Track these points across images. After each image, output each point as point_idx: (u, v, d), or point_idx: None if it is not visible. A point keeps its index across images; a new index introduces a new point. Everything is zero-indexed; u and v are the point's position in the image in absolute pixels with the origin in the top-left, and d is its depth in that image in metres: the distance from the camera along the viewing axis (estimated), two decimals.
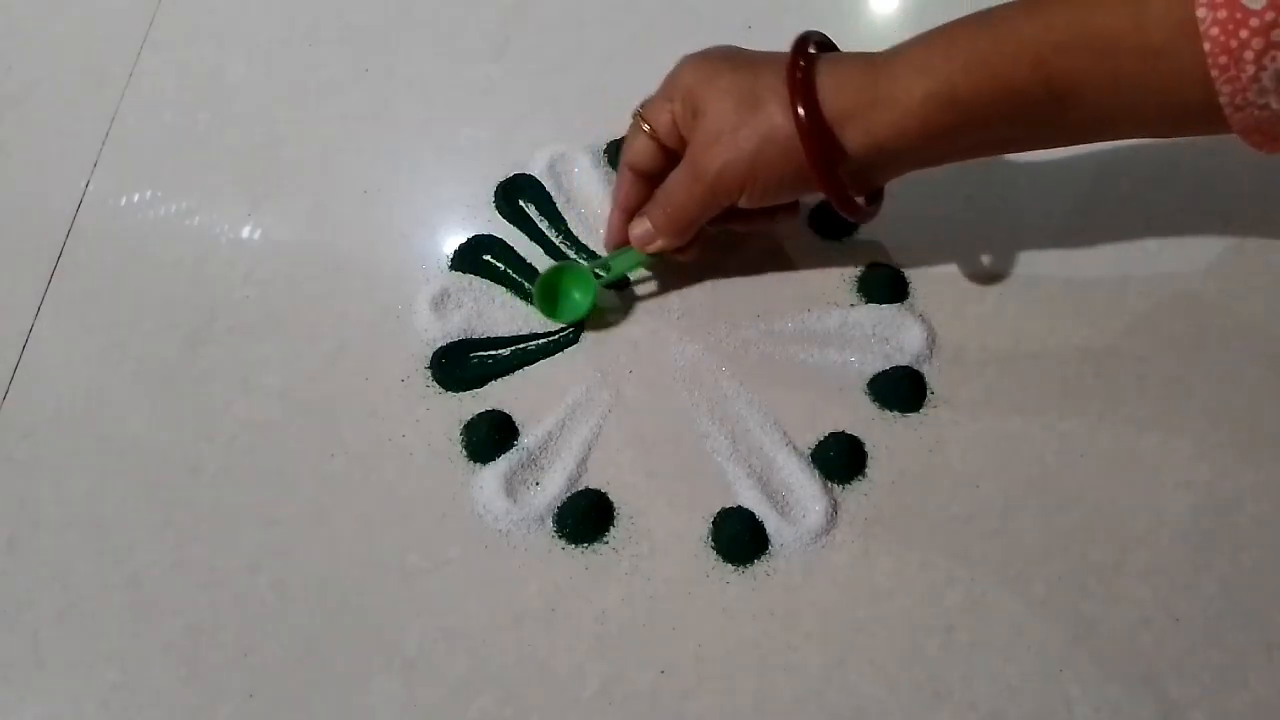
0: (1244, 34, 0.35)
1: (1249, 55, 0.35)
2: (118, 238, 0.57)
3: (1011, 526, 0.46)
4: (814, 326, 0.52)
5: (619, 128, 0.59)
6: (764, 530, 0.46)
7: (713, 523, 0.47)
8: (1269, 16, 0.34)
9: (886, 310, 0.52)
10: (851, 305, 0.52)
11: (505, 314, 0.53)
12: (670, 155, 0.48)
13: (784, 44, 0.60)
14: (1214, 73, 0.36)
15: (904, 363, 0.51)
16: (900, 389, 0.50)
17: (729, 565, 0.46)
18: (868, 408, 0.50)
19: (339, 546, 0.47)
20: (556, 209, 0.56)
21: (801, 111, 0.42)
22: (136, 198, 0.59)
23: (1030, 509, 0.47)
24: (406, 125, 0.60)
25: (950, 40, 0.42)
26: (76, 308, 0.55)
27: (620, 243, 0.52)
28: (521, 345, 0.52)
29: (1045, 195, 0.55)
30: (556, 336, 0.53)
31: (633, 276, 0.54)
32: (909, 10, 0.64)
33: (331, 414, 0.51)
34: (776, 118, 0.43)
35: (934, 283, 0.53)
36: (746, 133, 0.44)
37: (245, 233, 0.57)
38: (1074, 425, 0.48)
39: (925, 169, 0.46)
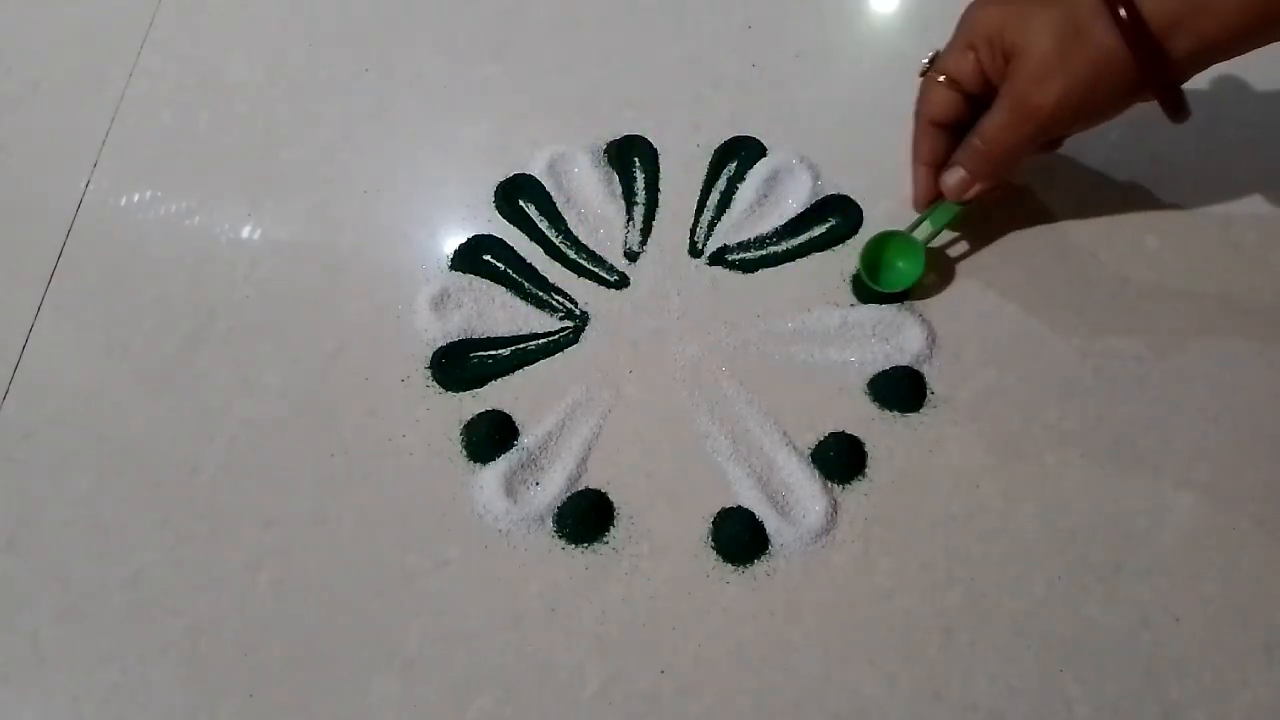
0: None
1: None
2: (117, 238, 0.57)
3: (1011, 526, 0.46)
4: (814, 326, 0.52)
5: (619, 127, 0.59)
6: (764, 530, 0.46)
7: (713, 523, 0.47)
8: None
9: (886, 310, 0.52)
10: (851, 305, 0.52)
11: (505, 314, 0.53)
12: (971, 103, 0.48)
13: (785, 43, 0.60)
14: None
15: (904, 363, 0.51)
16: (900, 389, 0.50)
17: (729, 565, 0.46)
18: (868, 408, 0.50)
19: (339, 546, 0.47)
20: (556, 209, 0.56)
21: (1131, 33, 0.42)
22: (136, 198, 0.59)
23: (1030, 509, 0.47)
24: (406, 125, 0.60)
25: None
26: (76, 308, 0.55)
27: (932, 198, 0.51)
28: (521, 345, 0.52)
29: (1045, 195, 0.55)
30: (556, 336, 0.53)
31: (635, 278, 0.54)
32: (909, 10, 0.64)
33: (331, 414, 0.51)
34: (1107, 41, 0.42)
35: (934, 283, 0.53)
36: (1078, 63, 0.43)
37: (245, 233, 0.57)
38: (1074, 425, 0.48)
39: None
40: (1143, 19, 0.42)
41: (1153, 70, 0.43)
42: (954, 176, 0.49)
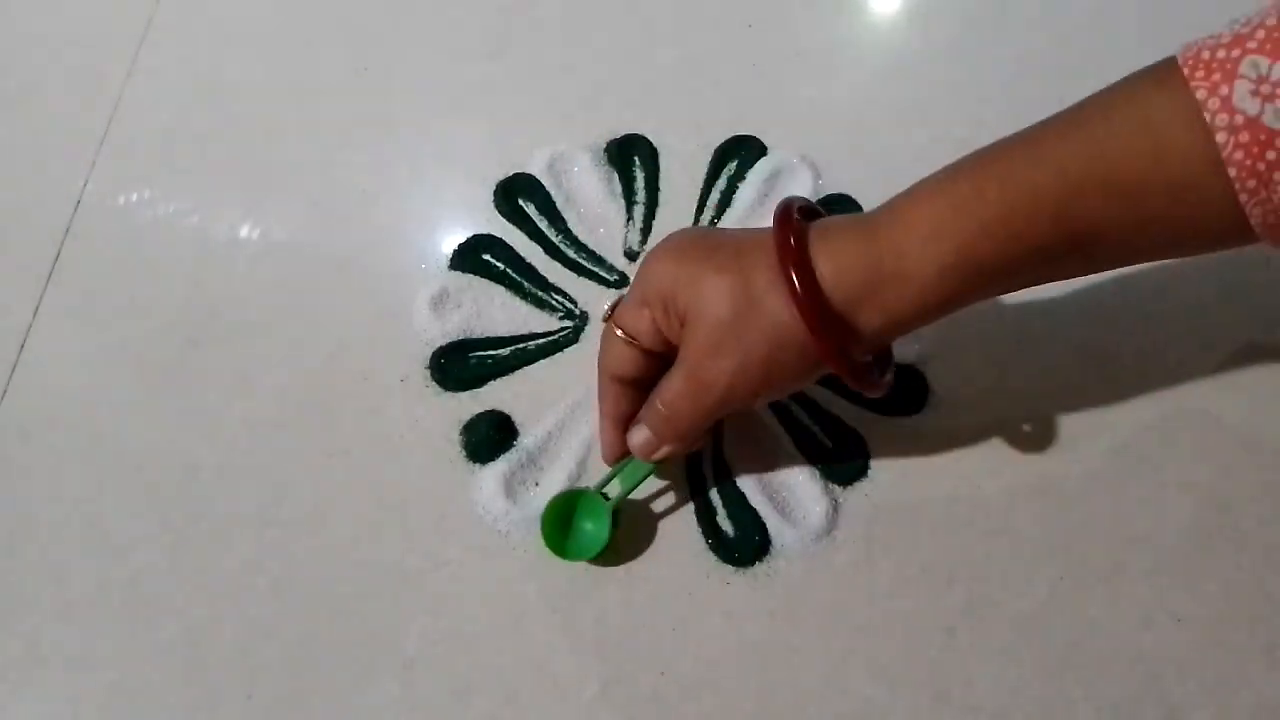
0: (1271, 155, 0.33)
1: (1279, 176, 0.33)
2: (116, 237, 0.57)
3: (1012, 527, 0.46)
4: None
5: (619, 127, 0.59)
6: (765, 530, 0.46)
7: (713, 523, 0.47)
8: None
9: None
10: None
11: (505, 314, 0.53)
12: (654, 358, 0.44)
13: (785, 42, 0.60)
14: (1243, 197, 0.34)
15: (904, 362, 0.50)
16: (900, 389, 0.50)
17: (729, 566, 0.46)
18: (868, 409, 0.50)
19: (338, 546, 0.47)
20: (556, 208, 0.56)
21: (808, 310, 0.39)
22: (135, 197, 0.59)
23: (1031, 509, 0.47)
24: (406, 125, 0.60)
25: (956, 201, 0.38)
26: (74, 308, 0.55)
27: (620, 455, 0.46)
28: (521, 345, 0.52)
29: None
30: (556, 336, 0.53)
31: (622, 274, 0.54)
32: (909, 10, 0.64)
33: (331, 414, 0.51)
34: (782, 316, 0.39)
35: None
36: (753, 338, 0.40)
37: (244, 232, 0.57)
38: (1074, 426, 0.48)
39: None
40: (821, 294, 0.39)
41: (834, 351, 0.39)
42: (639, 436, 0.45)
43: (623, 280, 0.54)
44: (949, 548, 0.46)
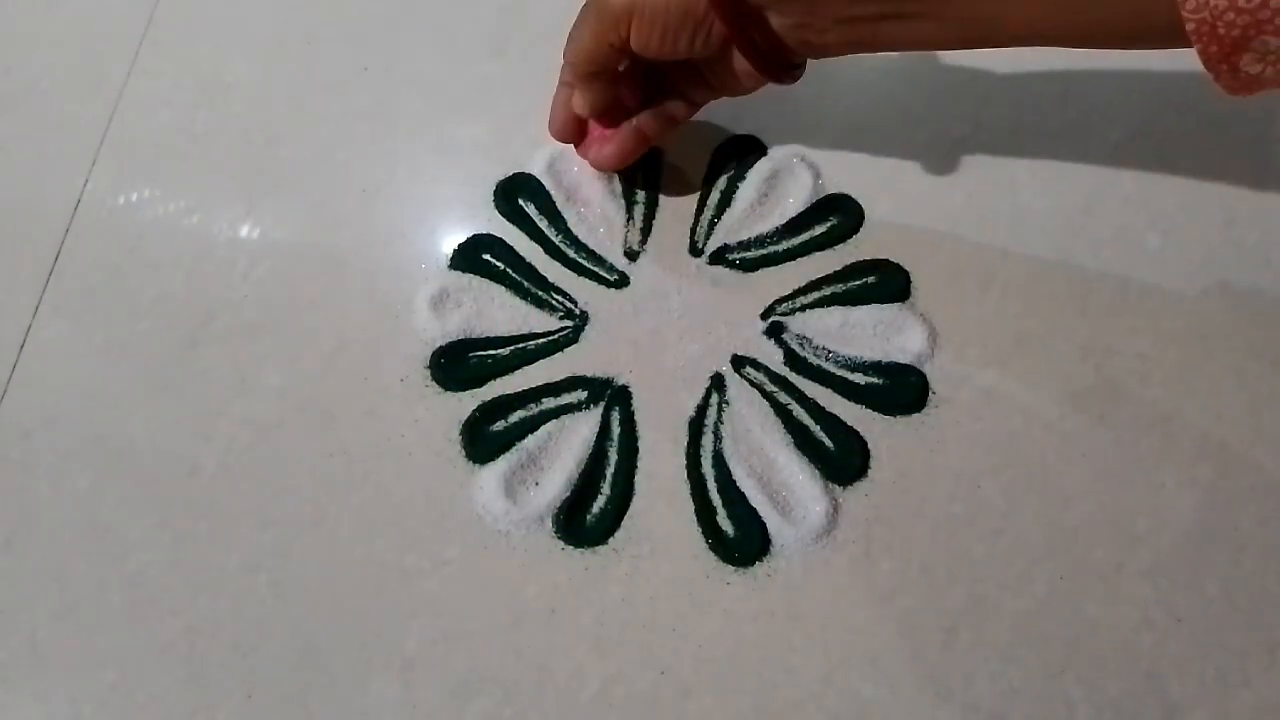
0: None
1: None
2: (116, 237, 0.57)
3: (1013, 526, 0.46)
4: (814, 326, 0.52)
5: None
6: (765, 530, 0.46)
7: (713, 523, 0.47)
8: None
9: (887, 310, 0.52)
10: (852, 305, 0.52)
11: (505, 314, 0.53)
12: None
13: None
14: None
15: (905, 362, 0.50)
16: (901, 389, 0.50)
17: (729, 566, 0.46)
18: (868, 408, 0.49)
19: (338, 546, 0.47)
20: (556, 208, 0.56)
21: None
22: (135, 197, 0.59)
23: (1031, 509, 0.47)
24: (406, 125, 0.60)
25: None
26: (74, 307, 0.55)
27: (561, 119, 0.52)
28: (521, 345, 0.52)
29: (1046, 194, 0.55)
30: (556, 336, 0.52)
31: (635, 277, 0.54)
32: None
33: (331, 414, 0.51)
34: None
35: (935, 282, 0.52)
36: None
37: (244, 232, 0.57)
38: (1075, 425, 0.48)
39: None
40: None
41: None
42: (560, 93, 0.51)
43: (623, 280, 0.54)
44: (949, 548, 0.46)
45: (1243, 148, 0.56)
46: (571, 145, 0.55)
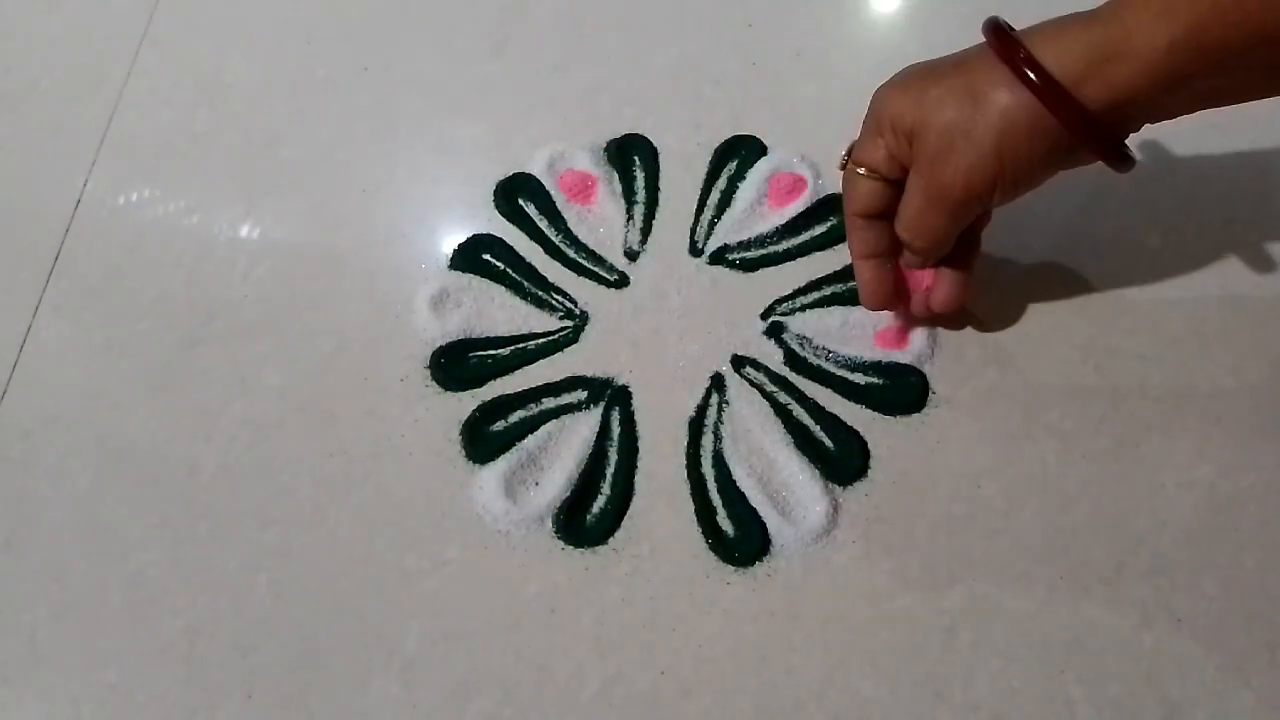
0: None
1: None
2: (116, 237, 0.57)
3: (1012, 526, 0.46)
4: (814, 326, 0.52)
5: (619, 127, 0.59)
6: (765, 530, 0.46)
7: (713, 523, 0.47)
8: None
9: (887, 310, 0.52)
10: (853, 305, 0.52)
11: (505, 314, 0.53)
12: (895, 189, 0.45)
13: (785, 43, 0.60)
14: None
15: (905, 362, 0.50)
16: (901, 389, 0.50)
17: (729, 566, 0.46)
18: (868, 408, 0.50)
19: (338, 546, 0.47)
20: (556, 208, 0.56)
21: (1034, 77, 0.39)
22: (135, 197, 0.59)
23: (1031, 509, 0.47)
24: (406, 124, 0.60)
25: None
26: (74, 307, 0.55)
27: (882, 292, 0.48)
28: (521, 345, 0.52)
29: (1046, 194, 0.55)
30: (556, 336, 0.53)
31: (635, 277, 0.54)
32: (909, 9, 0.64)
33: (331, 414, 0.51)
34: (1005, 99, 0.40)
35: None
36: (981, 131, 0.40)
37: (244, 232, 0.57)
38: (1074, 425, 0.48)
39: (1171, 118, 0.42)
40: (1042, 67, 0.39)
41: (1070, 115, 0.39)
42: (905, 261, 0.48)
43: (623, 280, 0.54)
44: (949, 548, 0.46)
45: (1243, 148, 0.56)
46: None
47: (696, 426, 0.50)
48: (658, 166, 0.58)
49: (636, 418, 0.50)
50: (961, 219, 0.44)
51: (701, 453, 0.49)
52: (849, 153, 0.46)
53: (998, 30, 0.41)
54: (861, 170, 0.45)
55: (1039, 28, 0.41)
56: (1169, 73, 0.38)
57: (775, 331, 0.52)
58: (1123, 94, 0.39)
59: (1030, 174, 0.43)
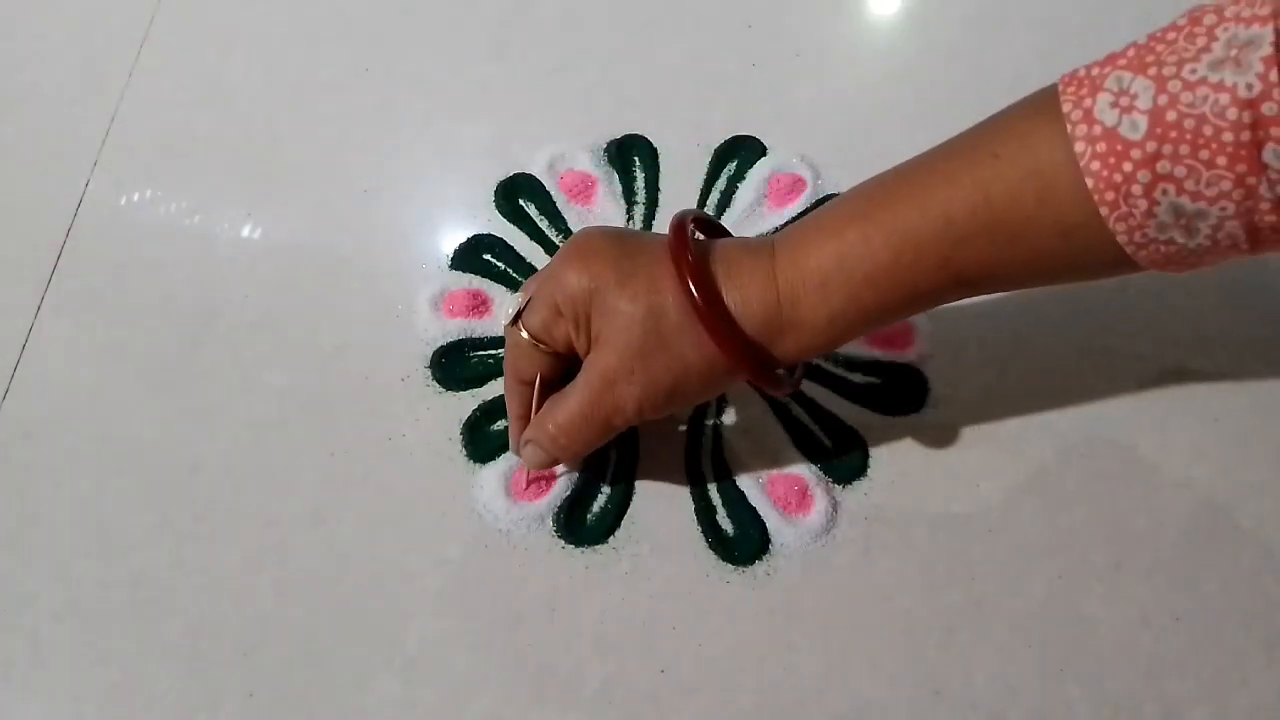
0: (1127, 166, 0.33)
1: (1137, 190, 0.33)
2: (117, 237, 0.57)
3: (1011, 526, 0.46)
4: None
5: (619, 127, 0.59)
6: (764, 530, 0.46)
7: (713, 522, 0.47)
8: (1150, 147, 0.32)
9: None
10: None
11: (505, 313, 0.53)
12: (563, 361, 0.44)
13: (785, 43, 0.60)
14: (1104, 210, 0.34)
15: (905, 362, 0.51)
16: (900, 389, 0.50)
17: (729, 565, 0.46)
18: (867, 408, 0.50)
19: (339, 546, 0.47)
20: (556, 208, 0.56)
21: (730, 349, 0.40)
22: (136, 197, 0.59)
23: (1030, 509, 0.47)
24: (406, 125, 0.60)
25: (843, 250, 0.39)
26: (76, 307, 0.55)
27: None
28: None
29: None
30: None
31: None
32: (909, 10, 0.64)
33: (331, 413, 0.51)
34: (691, 355, 0.41)
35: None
36: (660, 369, 0.41)
37: (245, 232, 0.57)
38: (1074, 425, 0.48)
39: None
40: (741, 334, 0.40)
41: (754, 372, 0.41)
42: (531, 454, 0.45)
43: None
44: (948, 547, 0.46)
45: None
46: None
47: (696, 425, 0.50)
48: (658, 167, 0.58)
49: None
50: (609, 437, 0.44)
51: (701, 452, 0.49)
52: (517, 313, 0.44)
53: (700, 277, 0.40)
54: (529, 339, 0.43)
55: (728, 260, 0.41)
56: (831, 337, 0.41)
57: None
58: (796, 352, 0.41)
59: (693, 403, 0.47)
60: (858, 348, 0.51)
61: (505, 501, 0.47)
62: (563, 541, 0.47)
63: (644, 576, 0.46)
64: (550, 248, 0.55)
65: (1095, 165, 0.33)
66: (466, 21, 0.65)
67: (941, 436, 0.49)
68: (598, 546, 0.47)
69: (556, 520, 0.47)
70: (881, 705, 0.43)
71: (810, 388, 0.50)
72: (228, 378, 0.52)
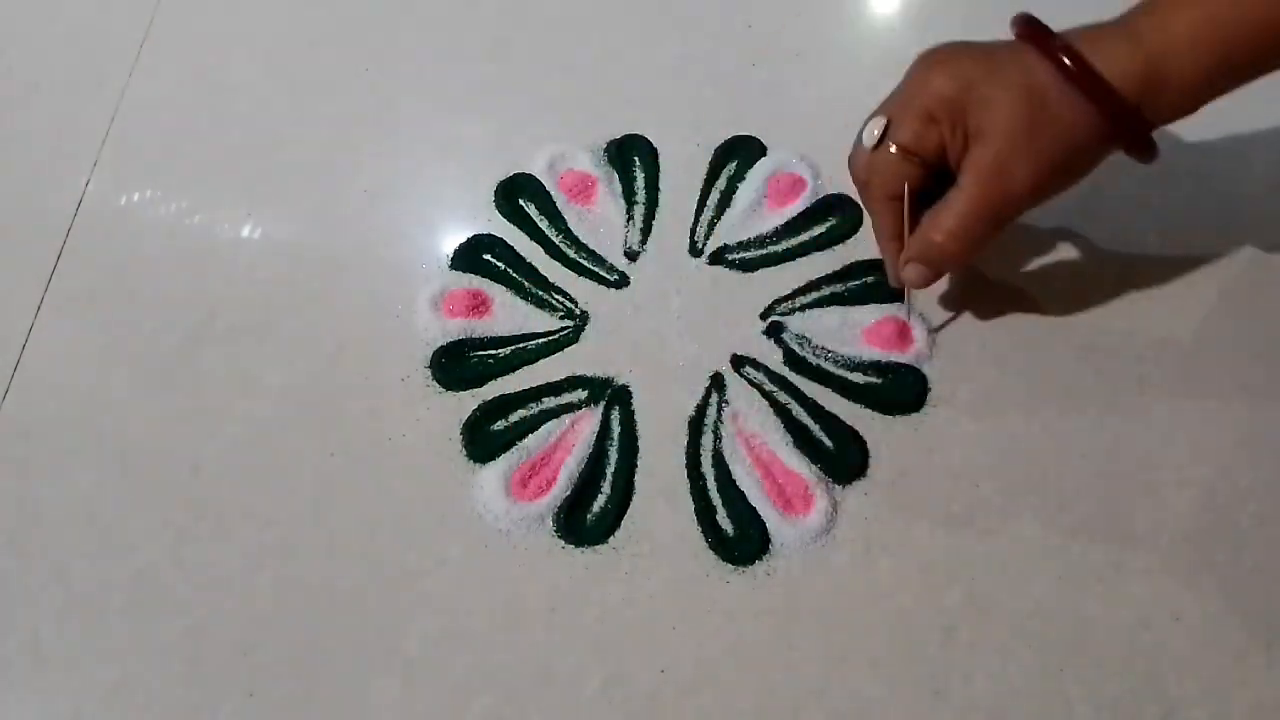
0: None
1: None
2: (117, 237, 0.57)
3: (1011, 526, 0.46)
4: (814, 326, 0.52)
5: (619, 127, 0.59)
6: (764, 529, 0.46)
7: (713, 522, 0.47)
8: None
9: (886, 310, 0.52)
10: (852, 305, 0.52)
11: (505, 314, 0.53)
12: (930, 173, 0.46)
13: (785, 43, 0.60)
14: None
15: (904, 362, 0.51)
16: (900, 389, 0.50)
17: (729, 565, 0.46)
18: (868, 408, 0.50)
19: (339, 546, 0.47)
20: (556, 208, 0.56)
21: (1110, 114, 0.42)
22: (136, 197, 0.59)
23: (1030, 509, 0.47)
24: (406, 125, 0.60)
25: (1212, 13, 0.41)
26: (76, 307, 0.55)
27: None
28: (521, 345, 0.52)
29: None
30: (556, 336, 0.53)
31: (635, 277, 0.54)
32: (909, 10, 0.64)
33: (331, 413, 0.51)
34: (1074, 120, 0.42)
35: (934, 283, 0.52)
36: (1047, 140, 0.43)
37: (245, 232, 0.57)
38: (1074, 425, 0.48)
39: None
40: (1118, 96, 0.42)
41: (1129, 133, 0.43)
42: (915, 273, 0.47)
43: (623, 280, 0.54)
44: (948, 547, 0.46)
45: (1242, 148, 0.56)
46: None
47: (696, 426, 0.50)
48: (658, 167, 0.58)
49: (636, 417, 0.50)
50: (1005, 225, 0.45)
51: (701, 452, 0.49)
52: (883, 130, 0.45)
53: (1069, 49, 0.42)
54: (900, 152, 0.45)
55: (1092, 38, 0.43)
56: (1210, 89, 0.42)
57: (775, 331, 0.52)
58: (1170, 112, 0.43)
59: (1080, 173, 0.45)
60: (858, 348, 0.51)
61: (505, 501, 0.47)
62: (563, 541, 0.47)
63: (644, 576, 0.46)
64: (550, 248, 0.55)
65: None
66: (466, 21, 0.65)
67: (941, 437, 0.49)
68: (598, 546, 0.47)
69: (556, 520, 0.47)
70: (881, 705, 0.43)
71: (810, 387, 0.50)
72: (228, 377, 0.52)
